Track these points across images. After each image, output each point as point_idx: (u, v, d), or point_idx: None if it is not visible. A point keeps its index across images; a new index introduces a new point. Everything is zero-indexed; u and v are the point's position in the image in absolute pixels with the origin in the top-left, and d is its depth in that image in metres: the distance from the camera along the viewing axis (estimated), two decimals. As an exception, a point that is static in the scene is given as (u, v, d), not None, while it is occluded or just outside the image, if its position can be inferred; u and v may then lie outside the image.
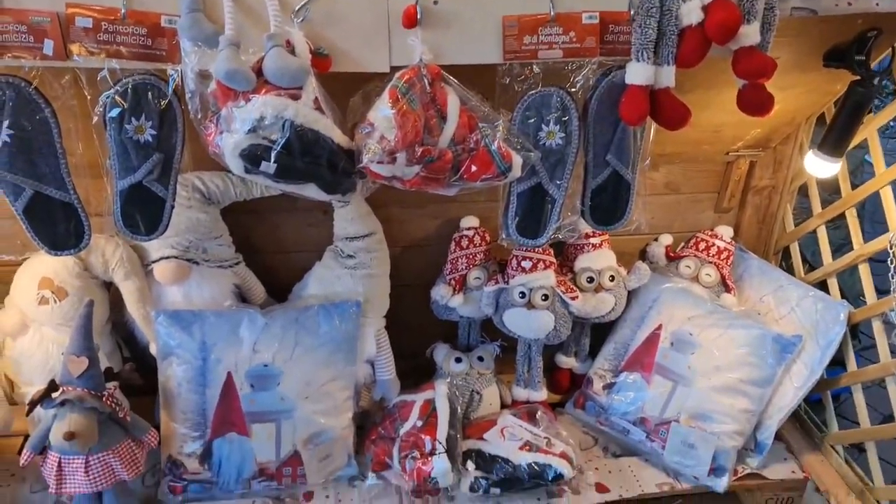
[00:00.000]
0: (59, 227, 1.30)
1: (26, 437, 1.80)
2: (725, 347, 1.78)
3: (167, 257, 1.64)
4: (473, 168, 1.27)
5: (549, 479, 1.67)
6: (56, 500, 1.65)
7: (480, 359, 1.96)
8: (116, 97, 1.21)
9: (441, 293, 1.86)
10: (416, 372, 1.95)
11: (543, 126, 1.32)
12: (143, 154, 1.26)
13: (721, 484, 1.73)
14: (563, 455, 1.71)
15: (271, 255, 1.89)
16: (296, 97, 1.19)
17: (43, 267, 1.57)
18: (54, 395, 1.47)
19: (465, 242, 1.87)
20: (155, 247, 1.66)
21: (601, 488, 1.75)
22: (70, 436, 1.44)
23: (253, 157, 1.20)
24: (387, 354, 1.83)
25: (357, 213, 1.74)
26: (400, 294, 1.85)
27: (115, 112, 1.22)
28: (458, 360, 1.94)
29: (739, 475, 1.77)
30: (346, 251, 1.76)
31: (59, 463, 1.49)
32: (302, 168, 1.23)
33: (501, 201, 1.44)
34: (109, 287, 1.68)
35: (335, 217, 1.77)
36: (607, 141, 1.36)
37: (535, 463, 1.67)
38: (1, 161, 1.20)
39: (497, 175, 1.27)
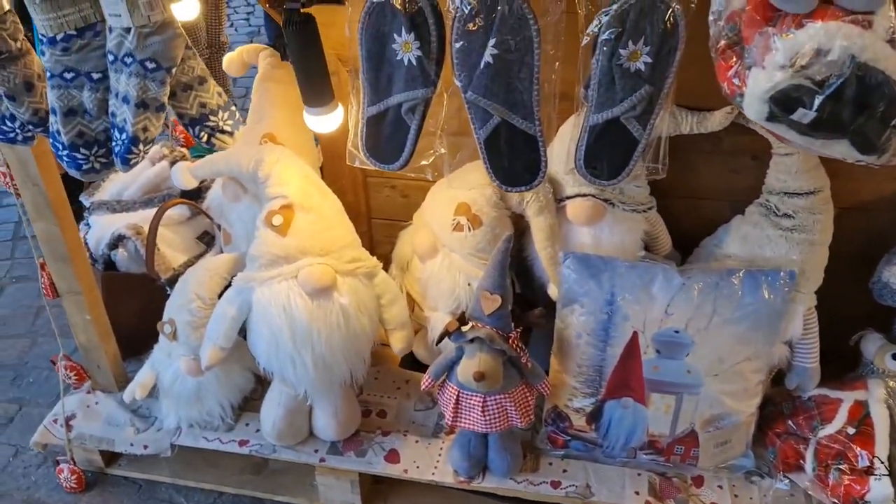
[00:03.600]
0: (517, 161, 1.16)
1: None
2: None
3: (584, 195, 1.48)
4: None
5: None
6: (437, 422, 1.65)
7: (926, 360, 1.56)
8: (616, 15, 1.00)
9: (900, 274, 1.49)
10: (828, 359, 1.62)
11: None
12: (631, 85, 1.06)
13: None
14: None
15: (678, 200, 1.65)
16: (866, 25, 0.89)
17: (461, 192, 1.49)
18: (464, 329, 1.41)
19: (943, 214, 1.46)
20: (570, 182, 1.50)
21: None
22: (480, 376, 1.37)
23: (787, 102, 0.93)
24: (813, 338, 1.53)
25: (804, 165, 1.42)
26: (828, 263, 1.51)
27: (610, 34, 1.02)
28: (897, 357, 1.57)
29: None
30: (783, 209, 1.46)
31: (458, 397, 1.45)
32: (846, 119, 0.94)
33: None
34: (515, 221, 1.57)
35: (772, 166, 1.47)
36: None
37: None
38: (479, 84, 1.08)
39: None
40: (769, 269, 1.44)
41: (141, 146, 1.16)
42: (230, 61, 1.62)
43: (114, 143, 1.18)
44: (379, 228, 1.87)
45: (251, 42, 3.97)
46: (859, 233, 1.60)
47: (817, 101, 0.92)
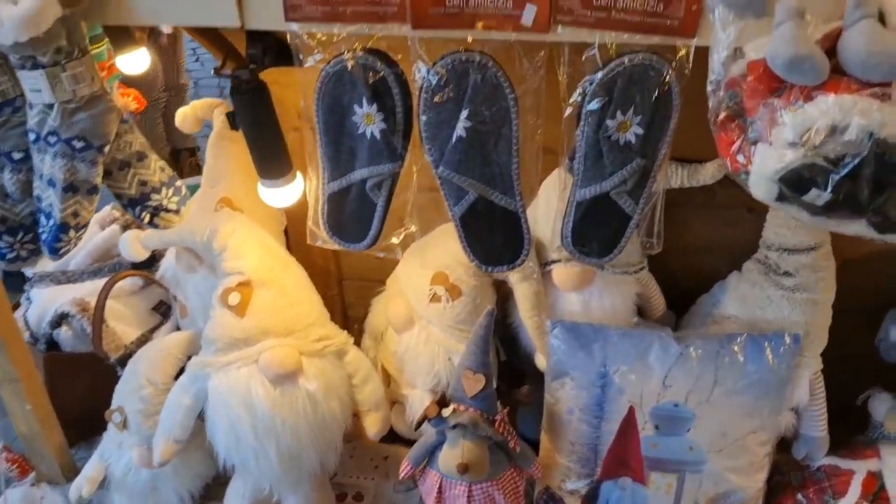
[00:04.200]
0: (497, 239, 1.05)
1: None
2: None
3: (570, 258, 1.36)
4: None
5: None
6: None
7: (941, 423, 1.46)
8: (602, 83, 0.89)
9: (907, 334, 1.39)
10: (834, 418, 1.51)
11: None
12: (621, 158, 0.94)
13: None
14: None
15: (672, 255, 1.51)
16: (884, 98, 0.78)
17: (438, 260, 1.37)
18: (445, 412, 1.28)
19: (951, 269, 1.36)
20: (556, 245, 1.37)
21: None
22: (464, 468, 1.25)
23: (799, 183, 0.82)
24: (821, 405, 1.42)
25: (805, 219, 1.31)
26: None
27: (596, 103, 0.90)
28: (909, 419, 1.46)
29: None
30: (783, 267, 1.35)
31: (441, 485, 1.32)
32: (864, 201, 0.83)
33: None
34: (498, 286, 1.45)
35: (769, 219, 1.37)
36: None
37: None
38: (451, 160, 0.96)
39: None
40: (772, 332, 1.33)
41: (72, 233, 1.03)
42: (183, 117, 1.49)
43: (40, 230, 1.05)
44: (351, 290, 1.74)
45: (217, 79, 3.83)
46: (862, 286, 1.49)
47: (832, 181, 0.81)
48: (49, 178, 1.00)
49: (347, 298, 1.76)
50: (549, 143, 1.10)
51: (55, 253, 1.04)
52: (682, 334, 1.36)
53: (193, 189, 1.67)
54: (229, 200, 1.43)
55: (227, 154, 1.45)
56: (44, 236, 1.04)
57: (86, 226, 1.05)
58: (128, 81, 1.81)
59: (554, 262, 1.38)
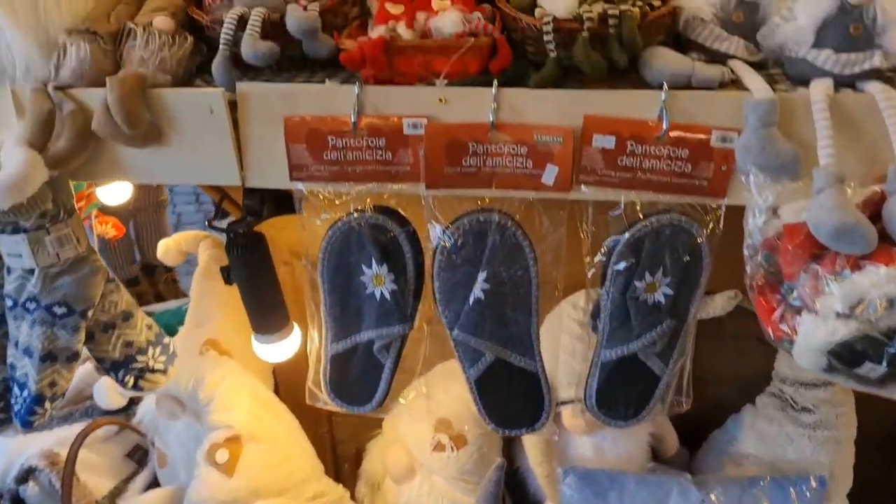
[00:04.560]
0: (514, 401, 0.97)
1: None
2: None
3: (581, 399, 1.28)
4: None
5: None
6: None
7: (975, 564, 1.38)
8: (629, 244, 0.84)
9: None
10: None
11: None
12: (650, 320, 0.89)
13: None
14: None
15: (682, 387, 1.47)
16: (936, 266, 0.74)
17: (441, 407, 1.28)
18: (453, 577, 1.17)
19: (974, 402, 1.31)
20: (565, 384, 1.30)
21: None
22: None
23: (851, 356, 0.77)
24: (850, 551, 1.33)
25: (823, 353, 1.26)
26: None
27: (623, 264, 0.85)
28: (941, 562, 1.38)
29: None
30: (800, 402, 1.29)
31: None
32: (920, 371, 0.78)
33: None
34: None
35: (782, 352, 1.31)
36: None
37: None
38: (467, 323, 0.89)
39: None
40: (795, 475, 1.26)
41: (47, 404, 0.93)
42: (166, 250, 1.42)
43: (13, 400, 0.95)
44: (341, 427, 1.63)
45: (194, 187, 3.77)
46: (879, 416, 1.44)
47: (887, 354, 0.76)
48: (26, 347, 0.91)
49: (338, 435, 1.65)
50: (572, 283, 1.04)
51: (28, 426, 0.94)
52: (701, 479, 1.28)
53: (174, 315, 1.58)
54: (216, 342, 1.35)
55: (213, 292, 1.37)
56: (16, 408, 0.94)
57: (63, 395, 0.95)
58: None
59: (563, 403, 1.30)
